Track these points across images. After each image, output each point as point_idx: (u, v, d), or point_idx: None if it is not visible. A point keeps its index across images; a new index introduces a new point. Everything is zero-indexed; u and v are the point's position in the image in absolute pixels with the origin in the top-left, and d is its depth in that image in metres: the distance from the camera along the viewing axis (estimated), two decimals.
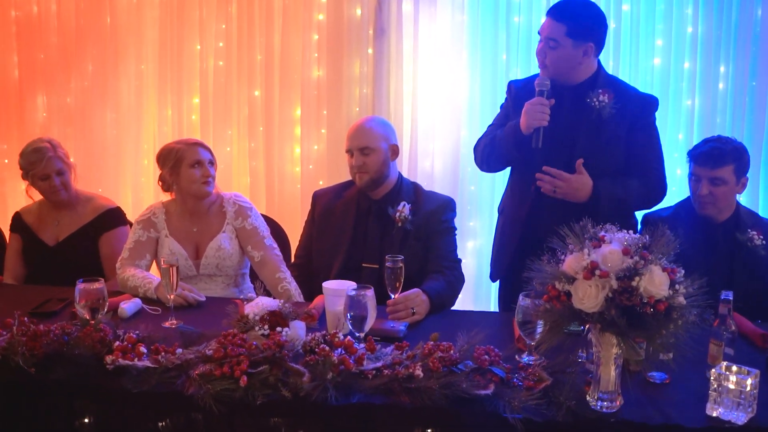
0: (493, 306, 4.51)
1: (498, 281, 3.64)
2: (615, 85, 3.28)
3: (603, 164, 3.21)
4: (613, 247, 1.98)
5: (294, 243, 3.95)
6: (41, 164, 3.59)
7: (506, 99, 3.51)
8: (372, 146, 3.26)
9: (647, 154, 3.27)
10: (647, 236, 2.02)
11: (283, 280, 3.31)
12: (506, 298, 3.55)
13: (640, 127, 3.25)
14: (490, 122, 3.57)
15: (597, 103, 3.17)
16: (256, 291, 2.94)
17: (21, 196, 5.17)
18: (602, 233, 2.05)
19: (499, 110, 3.56)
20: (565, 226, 2.63)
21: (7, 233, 4.16)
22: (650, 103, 3.31)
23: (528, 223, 3.31)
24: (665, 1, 4.40)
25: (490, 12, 4.50)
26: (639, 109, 3.26)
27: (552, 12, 3.16)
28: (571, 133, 3.21)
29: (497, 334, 2.62)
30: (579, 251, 2.02)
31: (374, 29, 4.57)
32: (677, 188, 4.47)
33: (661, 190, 3.32)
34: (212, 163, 3.41)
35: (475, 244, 4.58)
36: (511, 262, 3.39)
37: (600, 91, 3.18)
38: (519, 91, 3.39)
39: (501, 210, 3.58)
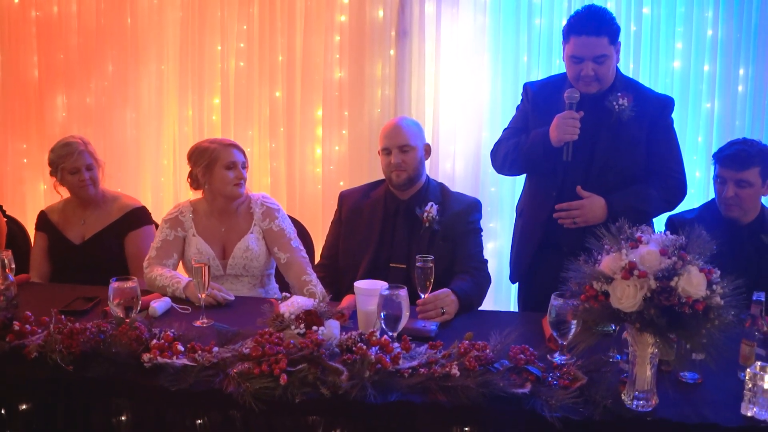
0: (512, 306, 4.53)
1: (517, 282, 3.66)
2: (633, 88, 3.30)
3: (623, 167, 3.24)
4: (650, 247, 2.00)
5: (317, 243, 3.98)
6: (71, 158, 3.63)
7: (522, 101, 3.51)
8: (411, 144, 3.29)
9: (667, 155, 3.29)
10: (684, 237, 2.04)
11: (309, 282, 3.32)
12: (526, 298, 3.58)
13: (659, 129, 3.26)
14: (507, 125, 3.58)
15: (617, 106, 3.18)
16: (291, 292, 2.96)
17: (40, 195, 5.26)
18: (639, 234, 2.07)
19: (515, 112, 3.56)
20: (585, 230, 2.72)
21: (30, 231, 4.22)
22: (667, 104, 3.32)
23: (548, 226, 3.32)
24: (685, 4, 4.43)
25: (512, 14, 4.52)
26: (658, 111, 3.26)
27: (586, 30, 3.10)
28: (592, 136, 3.21)
29: (526, 334, 2.62)
30: (616, 252, 2.04)
31: (396, 31, 4.59)
32: (696, 190, 4.51)
33: (680, 193, 3.33)
34: (245, 165, 3.43)
35: (495, 245, 4.60)
36: (531, 264, 3.43)
37: (619, 94, 3.19)
38: (537, 94, 3.40)
39: (520, 212, 3.58)
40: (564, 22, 3.26)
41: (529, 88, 3.48)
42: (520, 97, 3.55)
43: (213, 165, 3.36)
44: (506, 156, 3.40)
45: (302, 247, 3.47)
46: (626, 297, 1.96)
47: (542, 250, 3.37)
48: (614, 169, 3.23)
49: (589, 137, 3.19)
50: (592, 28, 3.09)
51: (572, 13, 3.27)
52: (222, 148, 3.39)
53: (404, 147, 3.27)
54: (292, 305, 2.46)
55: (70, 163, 3.63)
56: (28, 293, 3.15)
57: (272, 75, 4.84)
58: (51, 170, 3.71)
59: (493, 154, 3.51)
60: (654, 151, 3.26)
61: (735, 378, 2.28)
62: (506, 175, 3.66)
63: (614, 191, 3.20)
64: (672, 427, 2.03)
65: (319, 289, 3.29)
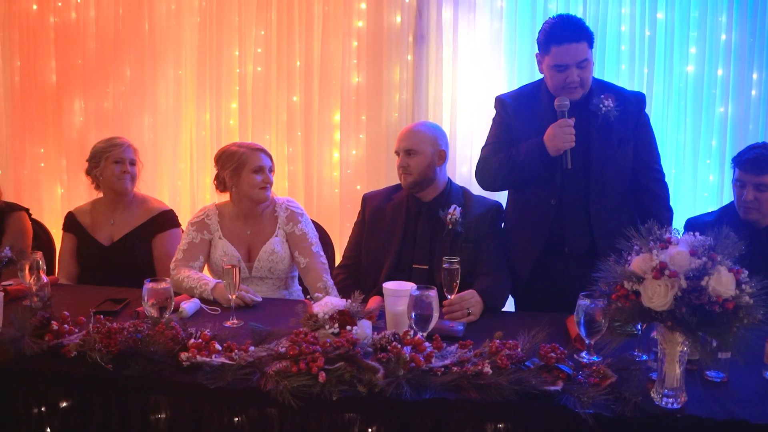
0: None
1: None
2: (609, 88, 3.35)
3: (616, 167, 3.27)
4: (680, 248, 2.05)
5: (335, 247, 4.03)
6: (119, 149, 3.77)
7: (498, 114, 3.48)
8: (416, 149, 3.33)
9: (648, 150, 3.36)
10: (711, 238, 2.08)
11: (323, 289, 3.39)
12: (525, 305, 3.54)
13: (640, 125, 3.33)
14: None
15: (603, 107, 3.22)
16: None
17: (57, 198, 5.31)
18: (668, 235, 2.11)
19: (491, 127, 3.53)
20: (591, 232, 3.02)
21: (52, 232, 4.28)
22: (642, 100, 3.38)
23: (551, 234, 3.32)
24: (699, 8, 4.48)
25: (527, 20, 4.57)
26: (636, 108, 3.33)
27: (569, 37, 3.15)
28: (583, 141, 3.23)
29: (551, 334, 2.65)
30: (646, 252, 2.09)
31: (414, 36, 4.65)
32: (709, 194, 4.55)
33: (668, 190, 3.40)
34: (271, 169, 3.50)
35: None
36: (531, 272, 3.39)
37: (603, 96, 3.23)
38: (515, 105, 3.41)
39: (509, 226, 3.50)
40: (552, 51, 3.25)
41: (504, 100, 3.47)
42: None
43: (241, 168, 3.42)
44: (497, 171, 3.37)
45: (322, 253, 3.54)
46: (657, 296, 2.00)
47: (544, 258, 3.36)
48: (610, 170, 3.27)
49: (581, 142, 3.21)
50: (572, 35, 3.15)
51: (589, 18, 3.31)
52: (250, 152, 3.45)
53: (410, 151, 3.34)
54: (326, 305, 2.51)
55: (118, 152, 3.77)
56: (57, 294, 3.17)
57: (290, 80, 4.89)
58: (91, 164, 3.82)
59: (480, 171, 3.46)
60: (638, 146, 3.32)
61: (760, 376, 2.33)
62: (495, 190, 3.64)
63: (611, 191, 3.26)
64: (701, 424, 2.07)
65: (333, 294, 3.34)
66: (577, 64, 3.17)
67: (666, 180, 3.40)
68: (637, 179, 3.32)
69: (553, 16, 3.29)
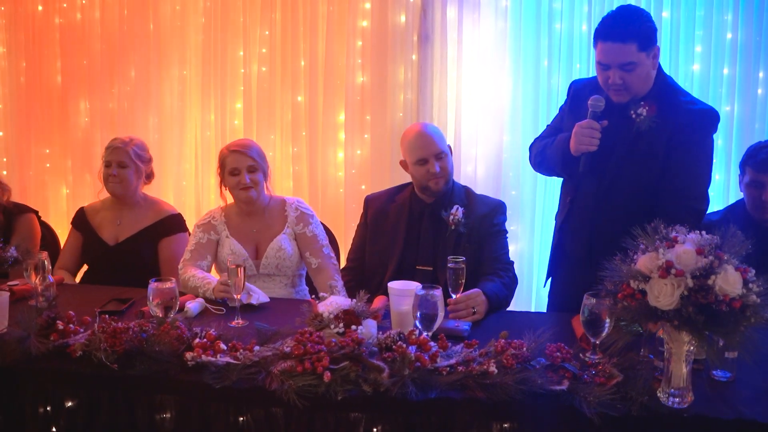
0: (534, 307, 4.58)
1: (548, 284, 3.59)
2: (664, 97, 3.03)
3: (638, 180, 3.06)
4: (686, 247, 2.04)
5: (341, 247, 4.03)
6: (108, 151, 3.77)
7: (565, 100, 3.37)
8: (446, 150, 3.33)
9: (684, 173, 3.01)
10: (718, 237, 2.07)
11: (334, 288, 3.41)
12: (553, 299, 3.54)
13: (679, 144, 2.98)
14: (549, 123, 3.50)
15: (635, 115, 2.98)
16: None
17: (62, 199, 5.32)
18: (674, 234, 2.11)
19: (557, 111, 3.45)
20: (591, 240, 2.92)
21: (57, 232, 4.28)
22: (699, 117, 3.03)
23: (561, 232, 3.32)
24: (705, 7, 4.46)
25: (532, 19, 4.56)
26: (683, 125, 2.98)
27: (613, 36, 2.88)
28: (610, 147, 3.02)
29: (556, 334, 2.65)
30: (652, 251, 2.08)
31: (419, 36, 4.65)
32: (715, 193, 4.51)
33: (694, 218, 2.95)
34: (254, 168, 3.45)
35: (516, 248, 4.62)
36: (549, 267, 3.44)
37: (642, 103, 2.98)
38: (578, 92, 3.23)
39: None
40: (584, 27, 3.18)
41: (571, 86, 3.34)
42: (542, 101, 3.53)
43: (224, 171, 3.49)
44: (536, 155, 3.36)
45: (333, 254, 3.56)
46: (664, 295, 1.99)
47: (555, 256, 3.37)
48: (624, 184, 3.08)
49: (608, 148, 3.01)
50: (617, 34, 2.87)
51: (594, 17, 3.23)
52: (229, 153, 3.48)
53: (440, 154, 3.29)
54: (331, 305, 2.50)
55: (106, 155, 3.77)
56: (62, 294, 3.16)
57: (294, 80, 4.89)
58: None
59: (530, 150, 3.43)
60: (672, 166, 3.01)
61: (767, 376, 2.31)
62: (540, 173, 3.56)
63: (618, 207, 3.07)
64: (709, 423, 2.06)
65: (342, 294, 3.35)
66: (620, 66, 2.90)
67: (701, 207, 3.06)
68: (662, 204, 2.99)
69: (617, 7, 3.04)
